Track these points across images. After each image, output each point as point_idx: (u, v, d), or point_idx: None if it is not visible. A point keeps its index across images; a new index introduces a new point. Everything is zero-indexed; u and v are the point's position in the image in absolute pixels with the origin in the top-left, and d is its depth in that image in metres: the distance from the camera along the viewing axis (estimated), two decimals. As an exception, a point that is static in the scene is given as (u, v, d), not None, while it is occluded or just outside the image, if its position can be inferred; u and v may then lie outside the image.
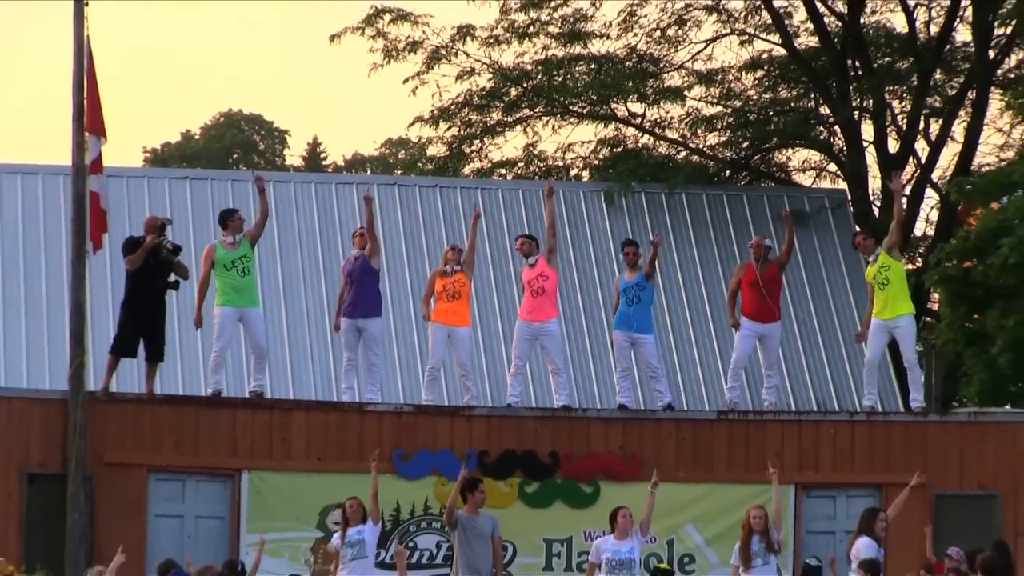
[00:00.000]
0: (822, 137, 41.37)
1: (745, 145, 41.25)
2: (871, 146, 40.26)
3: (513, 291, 32.91)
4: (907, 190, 40.11)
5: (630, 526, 24.21)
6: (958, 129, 40.64)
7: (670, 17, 40.86)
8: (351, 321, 27.18)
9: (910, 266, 33.99)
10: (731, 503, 26.63)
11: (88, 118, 26.70)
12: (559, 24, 40.29)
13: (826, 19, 40.11)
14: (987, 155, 40.85)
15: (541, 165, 41.12)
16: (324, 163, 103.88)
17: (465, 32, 40.17)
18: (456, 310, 27.43)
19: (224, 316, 26.77)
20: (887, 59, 41.13)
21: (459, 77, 40.39)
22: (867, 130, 40.37)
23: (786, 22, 40.33)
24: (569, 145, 41.32)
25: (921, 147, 40.88)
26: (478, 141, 41.09)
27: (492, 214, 36.12)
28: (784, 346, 30.64)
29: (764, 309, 28.03)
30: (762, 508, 24.88)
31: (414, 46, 40.02)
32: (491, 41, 40.27)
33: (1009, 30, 38.44)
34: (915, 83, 40.49)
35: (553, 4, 40.26)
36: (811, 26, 40.24)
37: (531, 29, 40.22)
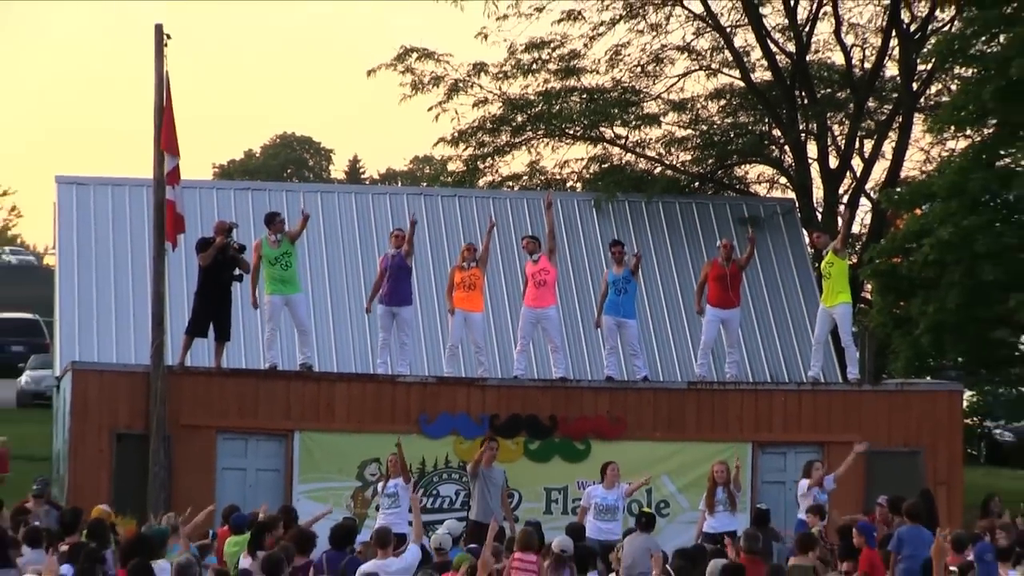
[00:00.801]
0: (774, 155, 41.29)
1: (710, 162, 41.19)
2: (815, 162, 40.17)
3: (519, 283, 32.79)
4: (845, 198, 40.21)
5: (617, 478, 24.25)
6: (887, 148, 40.55)
7: (649, 56, 40.84)
8: (387, 308, 27.35)
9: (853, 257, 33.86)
10: (699, 458, 26.64)
11: (164, 139, 26.69)
12: (557, 62, 40.24)
13: (778, 56, 40.07)
14: (911, 169, 40.80)
15: (542, 178, 41.02)
16: (363, 176, 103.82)
17: (479, 68, 40.13)
18: (471, 298, 27.57)
19: (273, 303, 27.00)
20: (828, 90, 41.08)
21: (474, 106, 40.33)
22: (812, 149, 40.28)
23: (744, 59, 40.29)
24: (565, 162, 41.28)
25: (857, 163, 40.81)
26: (490, 159, 41.03)
27: (502, 219, 36.02)
28: (743, 328, 30.55)
29: (726, 298, 28.20)
30: (724, 463, 24.98)
31: (437, 80, 39.98)
32: (501, 76, 40.25)
33: (929, 66, 38.35)
34: (851, 110, 40.40)
35: (552, 45, 40.28)
36: (765, 62, 40.18)
37: (534, 66, 40.18)
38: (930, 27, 39.09)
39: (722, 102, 41.14)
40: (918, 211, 34.50)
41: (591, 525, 23.31)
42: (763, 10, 40.02)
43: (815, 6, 40.22)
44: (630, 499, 25.11)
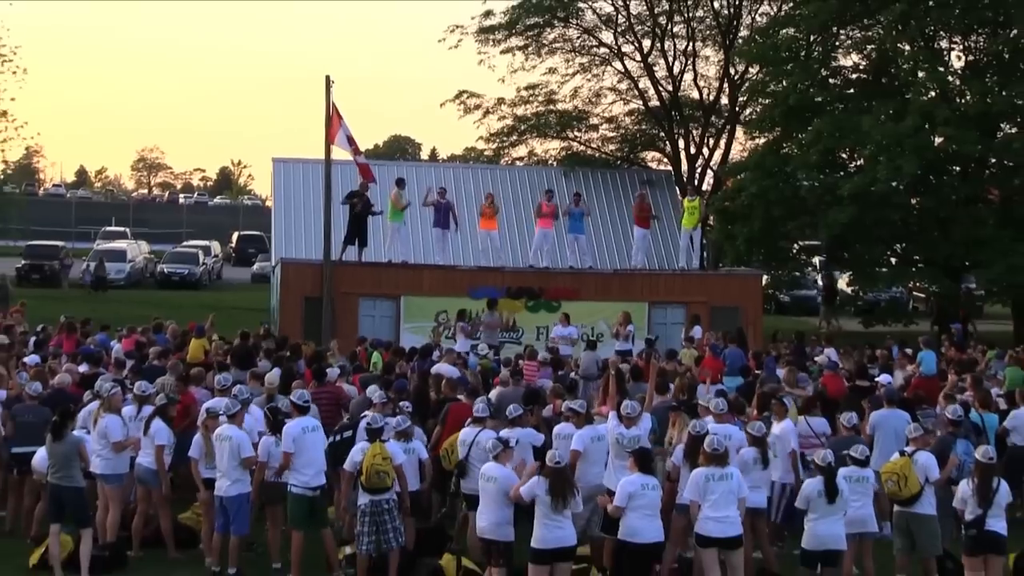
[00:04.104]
0: (661, 146, 40.99)
1: (627, 150, 40.89)
2: (683, 150, 39.88)
3: (527, 216, 32.68)
4: (699, 171, 40.04)
5: (566, 322, 24.20)
6: (722, 143, 40.28)
7: (592, 92, 40.74)
8: (442, 230, 27.46)
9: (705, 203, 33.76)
10: (617, 310, 26.34)
11: (332, 137, 26.24)
12: (542, 96, 40.06)
13: (663, 93, 39.72)
14: (736, 154, 40.26)
15: (535, 159, 40.82)
16: (438, 158, 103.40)
17: (499, 100, 39.98)
18: (491, 224, 27.86)
19: (394, 227, 27.16)
20: (689, 111, 40.59)
21: (498, 120, 40.23)
22: (681, 143, 40.00)
23: (645, 95, 40.15)
24: (548, 150, 41.11)
25: (705, 151, 40.48)
26: (507, 149, 40.91)
27: (514, 182, 36.04)
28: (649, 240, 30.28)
29: (643, 220, 28.45)
30: (626, 312, 24.79)
31: (477, 107, 39.79)
32: (512, 104, 40.07)
33: (745, 98, 38.18)
34: (702, 121, 40.09)
35: (540, 86, 40.10)
36: (656, 96, 39.87)
37: (530, 98, 39.98)
38: (746, 76, 38.66)
39: (633, 117, 40.86)
40: (740, 177, 34.32)
41: (563, 349, 23.16)
42: (656, 68, 39.66)
43: (683, 66, 39.92)
44: (583, 332, 24.97)
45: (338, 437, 13.52)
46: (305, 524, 12.49)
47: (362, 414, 13.56)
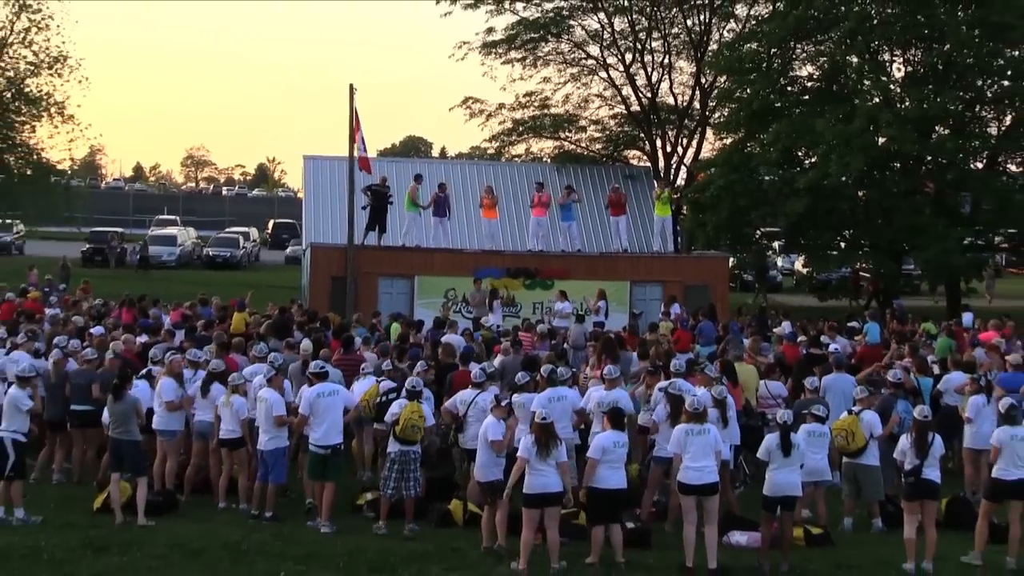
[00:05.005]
0: (641, 145, 40.78)
1: (611, 148, 40.66)
2: (660, 149, 39.71)
3: (523, 205, 32.53)
4: (674, 166, 39.81)
5: (563, 299, 24.07)
6: (695, 142, 40.04)
7: (581, 98, 40.32)
8: (440, 219, 27.30)
9: (675, 195, 33.60)
10: (605, 288, 26.21)
11: (355, 136, 26.25)
12: (538, 102, 39.72)
13: (643, 99, 39.46)
14: (706, 152, 39.96)
15: (531, 156, 40.63)
16: (447, 156, 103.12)
17: (500, 106, 39.67)
18: (492, 213, 27.76)
19: (411, 217, 26.90)
20: (666, 114, 40.36)
21: (499, 123, 39.92)
22: (659, 142, 39.80)
23: (627, 100, 39.78)
24: (543, 149, 40.83)
25: (680, 150, 40.28)
26: (507, 148, 40.65)
27: (512, 177, 35.80)
28: (628, 226, 30.14)
29: (620, 209, 28.18)
30: (601, 290, 24.66)
31: (481, 111, 39.54)
32: (511, 108, 39.77)
33: (714, 103, 37.95)
34: (677, 123, 39.89)
35: (536, 94, 39.82)
36: (637, 101, 39.60)
37: (527, 104, 39.70)
38: (715, 84, 38.41)
39: (616, 120, 40.61)
40: (709, 172, 34.19)
41: (558, 322, 23.09)
42: (636, 77, 39.40)
43: (660, 76, 39.66)
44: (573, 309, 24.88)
45: (384, 398, 13.60)
46: (321, 477, 12.48)
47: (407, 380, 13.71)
